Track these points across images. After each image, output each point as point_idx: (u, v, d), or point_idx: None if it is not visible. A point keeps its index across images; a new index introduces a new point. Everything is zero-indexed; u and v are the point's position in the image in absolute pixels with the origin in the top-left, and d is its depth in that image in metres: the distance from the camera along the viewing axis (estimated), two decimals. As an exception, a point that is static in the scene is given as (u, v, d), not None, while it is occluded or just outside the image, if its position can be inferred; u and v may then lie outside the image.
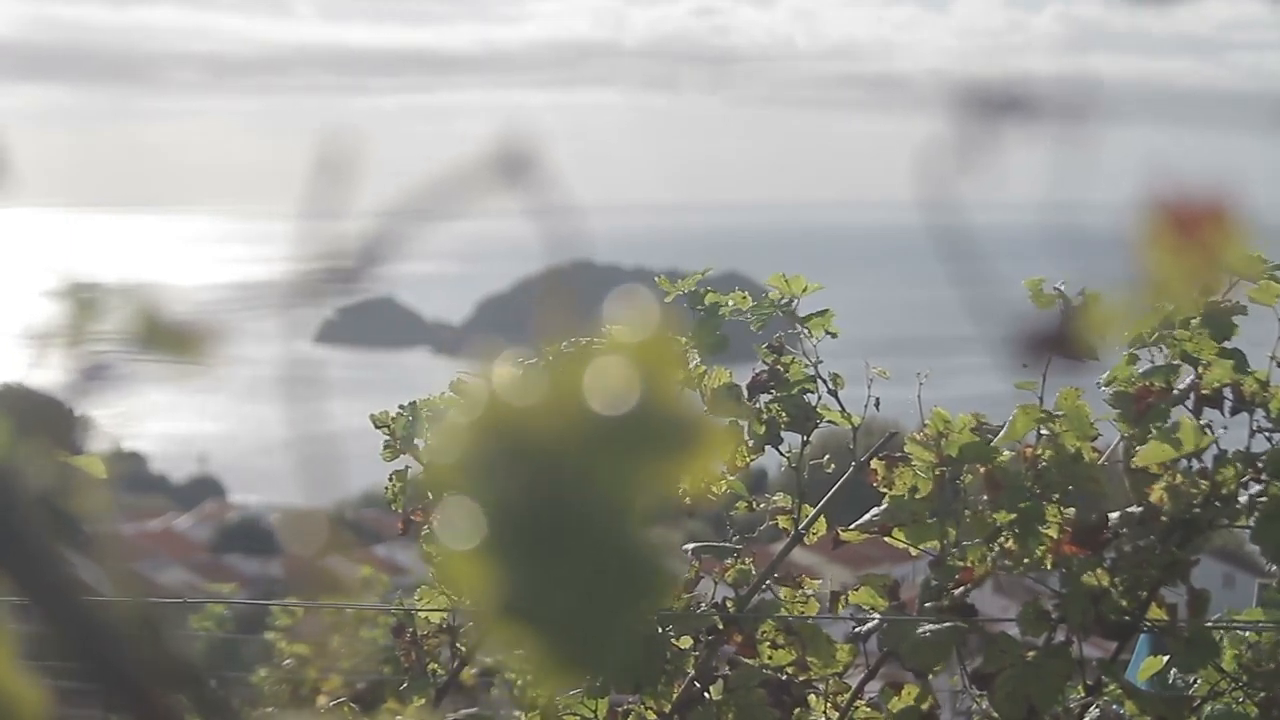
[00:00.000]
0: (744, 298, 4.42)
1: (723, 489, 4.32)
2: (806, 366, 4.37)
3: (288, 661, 11.11)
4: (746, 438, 4.34)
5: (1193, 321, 4.02)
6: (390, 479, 4.31)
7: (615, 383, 0.78)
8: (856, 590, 4.23)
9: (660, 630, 4.16)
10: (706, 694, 4.18)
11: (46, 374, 1.02)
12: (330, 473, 0.89)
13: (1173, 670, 4.00)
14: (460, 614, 4.29)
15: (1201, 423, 4.03)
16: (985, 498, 4.09)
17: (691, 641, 4.22)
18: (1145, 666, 4.03)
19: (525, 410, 0.78)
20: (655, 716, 4.18)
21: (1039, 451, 4.08)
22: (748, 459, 4.35)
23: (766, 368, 4.38)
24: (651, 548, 0.76)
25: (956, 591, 4.09)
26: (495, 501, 0.78)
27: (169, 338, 0.98)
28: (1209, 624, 4.05)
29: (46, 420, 1.02)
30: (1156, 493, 4.00)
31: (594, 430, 0.78)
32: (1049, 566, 4.05)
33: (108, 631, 0.89)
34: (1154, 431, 3.99)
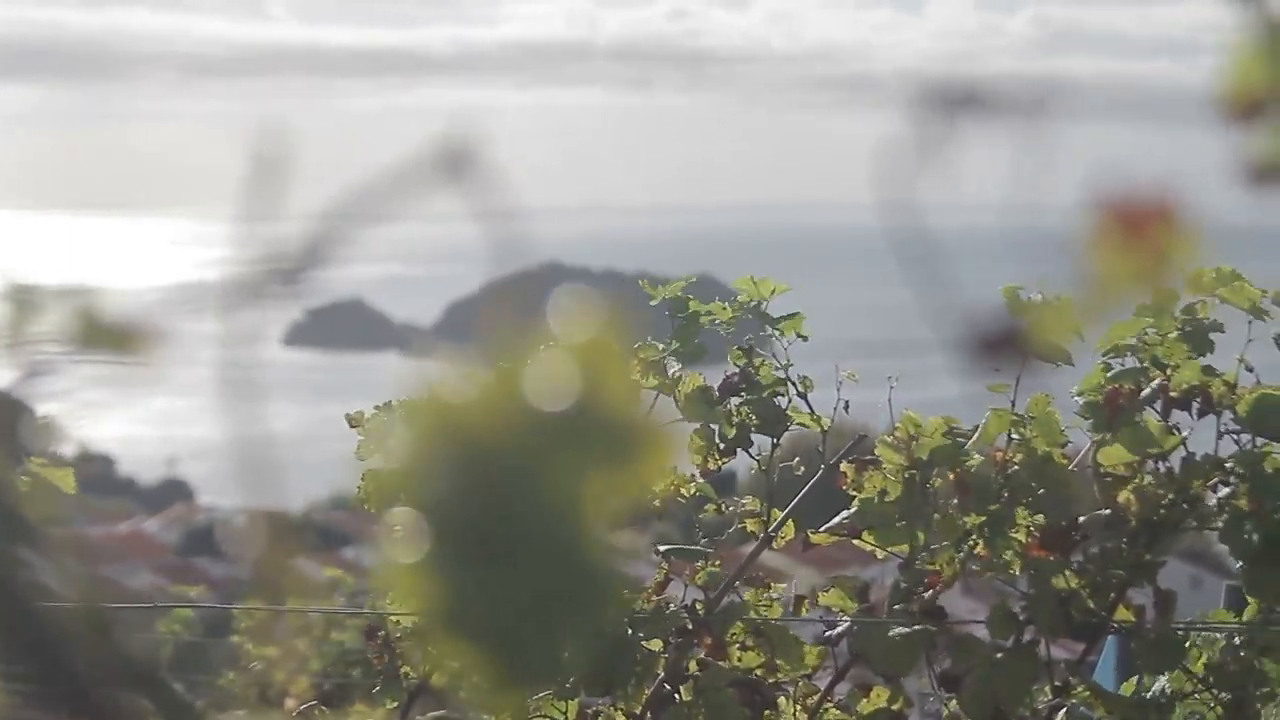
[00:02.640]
0: (724, 307, 4.42)
1: (692, 491, 4.32)
2: (777, 369, 4.37)
3: (255, 664, 11.08)
4: (717, 440, 4.34)
5: (1170, 336, 4.04)
6: (361, 481, 4.30)
7: (559, 385, 0.78)
8: (826, 592, 4.23)
9: (630, 632, 4.16)
10: (676, 695, 4.18)
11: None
12: (279, 475, 0.89)
13: (1143, 674, 4.01)
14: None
15: (1170, 424, 4.05)
16: (955, 501, 4.09)
17: (661, 643, 4.22)
18: (1125, 689, 4.05)
19: (469, 415, 0.78)
20: (625, 718, 4.18)
21: (1009, 455, 4.09)
22: (718, 462, 4.35)
23: (738, 370, 4.38)
24: (598, 553, 0.76)
25: (926, 594, 4.10)
26: (438, 508, 0.77)
27: (109, 338, 0.98)
28: (1176, 626, 4.06)
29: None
30: (1124, 495, 4.01)
31: (537, 434, 0.77)
32: (1018, 569, 4.06)
33: (63, 634, 0.89)
34: (1121, 433, 4.00)
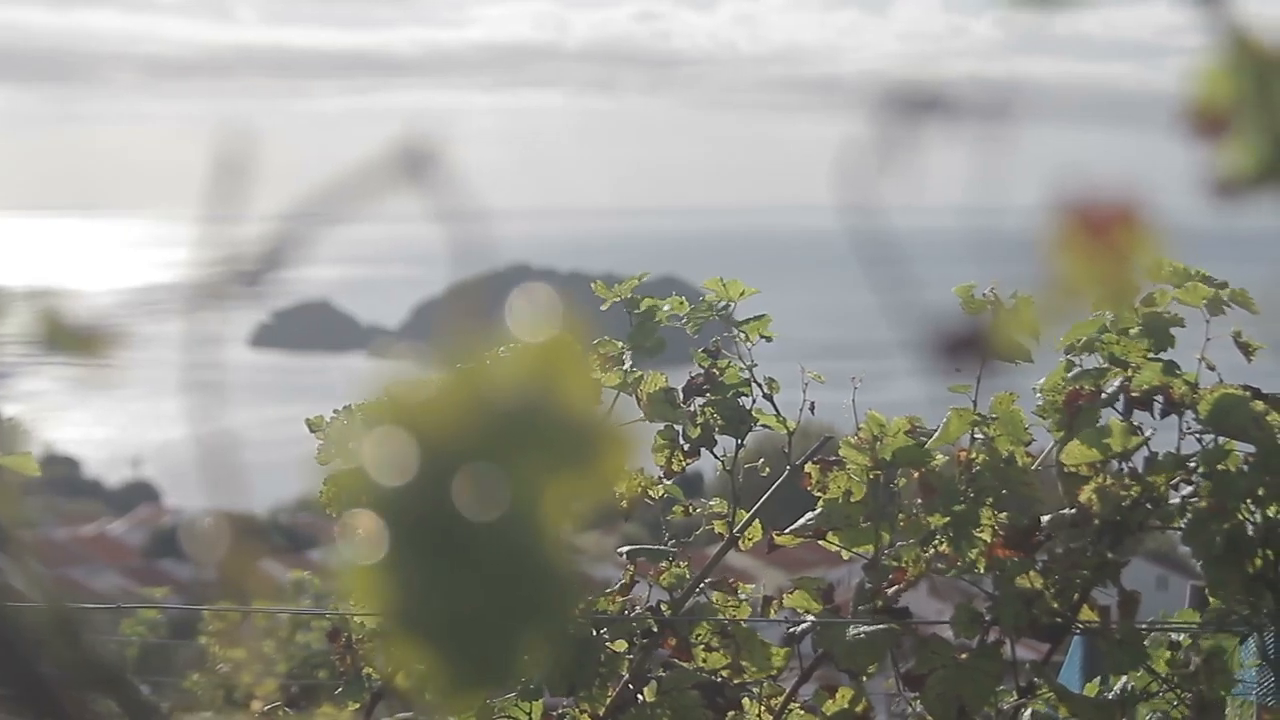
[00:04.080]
0: (681, 302, 4.42)
1: (660, 493, 4.32)
2: (742, 371, 4.38)
3: (221, 666, 11.05)
4: (681, 441, 4.34)
5: (1131, 331, 4.06)
6: (323, 484, 4.29)
7: (518, 386, 0.78)
8: (791, 593, 4.24)
9: (595, 633, 4.16)
10: (641, 697, 4.18)
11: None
12: (242, 477, 0.89)
13: (1107, 674, 4.02)
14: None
15: (1133, 425, 4.07)
16: (919, 501, 4.10)
17: (626, 644, 4.22)
18: (1088, 690, 4.07)
19: (427, 416, 0.78)
20: (589, 719, 4.18)
21: (973, 455, 4.10)
22: (683, 463, 4.35)
23: (702, 372, 4.38)
24: (556, 555, 0.76)
25: (890, 593, 4.11)
26: (395, 509, 0.77)
27: (73, 340, 0.98)
28: (1141, 626, 4.08)
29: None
30: (1086, 494, 4.02)
31: (495, 435, 0.77)
32: (982, 569, 4.07)
33: (28, 636, 0.89)
34: (1083, 433, 4.02)
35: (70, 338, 1.01)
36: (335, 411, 4.33)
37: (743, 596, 4.30)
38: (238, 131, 0.89)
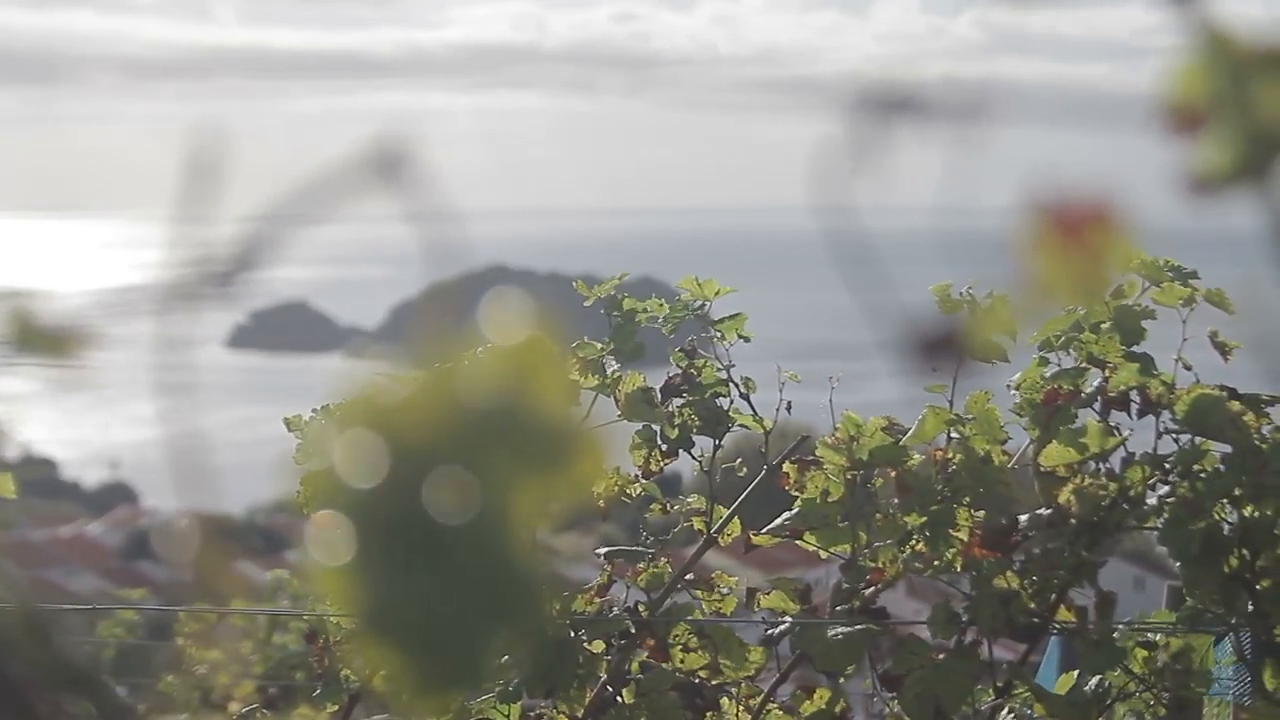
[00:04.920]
0: (660, 304, 4.42)
1: (637, 492, 4.32)
2: (719, 370, 4.38)
3: (198, 668, 11.03)
4: (658, 441, 4.34)
5: (1103, 325, 4.07)
6: (300, 485, 4.28)
7: (492, 387, 0.78)
8: (768, 594, 4.24)
9: (572, 634, 4.16)
10: (619, 698, 4.18)
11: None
12: (217, 477, 0.88)
13: (1084, 674, 4.03)
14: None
15: (1110, 425, 4.07)
16: (896, 501, 4.11)
17: (604, 645, 4.22)
18: (1060, 683, 4.07)
19: (401, 418, 0.78)
20: (567, 721, 4.17)
21: (949, 455, 4.10)
22: (659, 463, 4.35)
23: (680, 372, 4.38)
24: (528, 556, 0.76)
25: (868, 593, 4.11)
26: (368, 510, 0.77)
27: (46, 341, 0.97)
28: (1118, 626, 4.08)
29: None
30: (1064, 495, 4.03)
31: (468, 436, 0.77)
32: (959, 569, 4.07)
33: (1, 638, 0.88)
34: (1060, 433, 4.02)
35: (43, 339, 1.01)
36: (313, 411, 4.32)
37: (725, 590, 4.29)
38: (210, 132, 0.89)
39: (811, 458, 4.19)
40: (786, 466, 4.21)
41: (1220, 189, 0.92)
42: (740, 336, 4.40)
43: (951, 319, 0.89)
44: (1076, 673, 4.05)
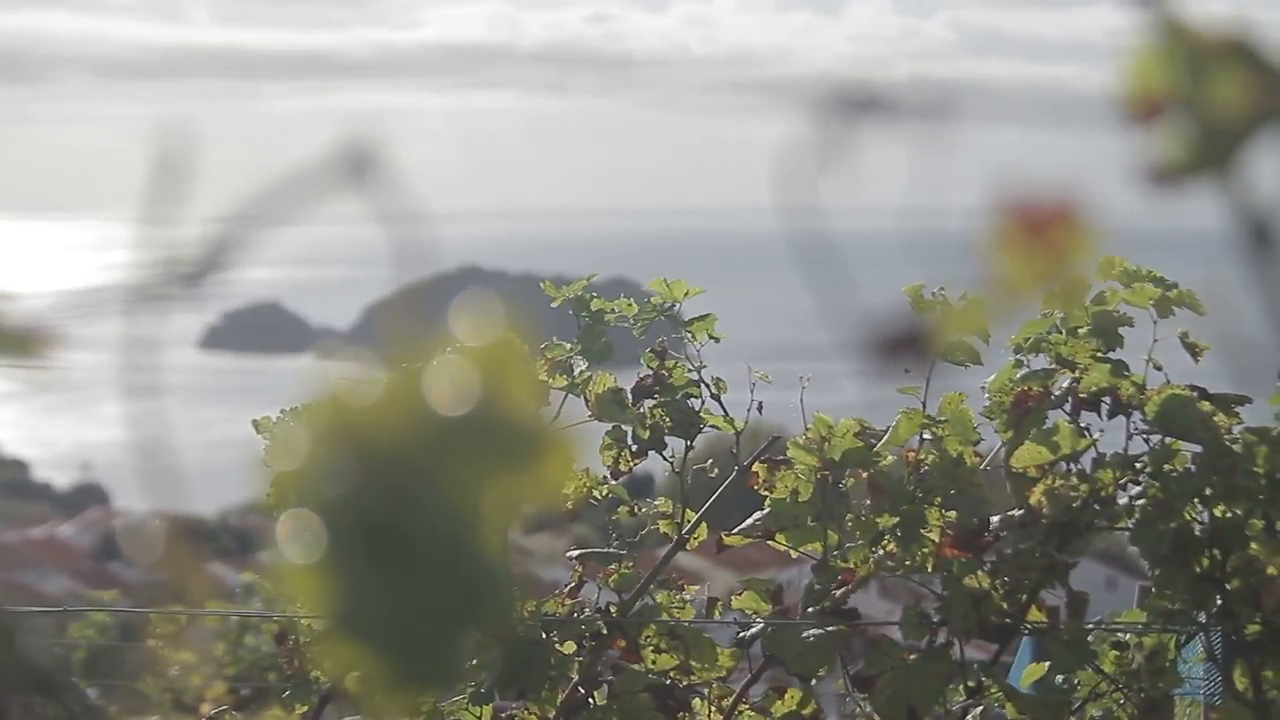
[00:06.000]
0: (630, 304, 4.42)
1: (604, 494, 4.32)
2: (690, 371, 4.38)
3: (171, 669, 11.01)
4: (629, 442, 4.34)
5: (1081, 331, 4.07)
6: (269, 486, 4.27)
7: (459, 389, 0.78)
8: (740, 595, 4.24)
9: (544, 635, 4.15)
10: (591, 699, 4.17)
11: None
12: (186, 479, 0.88)
13: (1055, 674, 4.04)
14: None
15: (1081, 426, 4.08)
16: (868, 501, 4.11)
17: (575, 647, 4.21)
18: (1027, 674, 4.07)
19: (368, 419, 0.78)
20: (539, 722, 4.17)
21: (921, 455, 4.11)
22: (629, 463, 4.35)
23: (651, 373, 4.38)
24: (495, 557, 0.76)
25: (839, 593, 4.11)
26: (335, 511, 0.77)
27: (14, 343, 0.97)
28: (1089, 626, 4.09)
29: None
30: (1035, 496, 4.04)
31: (435, 437, 0.77)
32: (931, 569, 4.08)
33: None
34: (1032, 434, 4.03)
35: (11, 339, 1.00)
36: (282, 413, 4.31)
37: (688, 598, 4.29)
38: (179, 132, 0.89)
39: (782, 458, 4.19)
40: (756, 466, 4.21)
41: (1179, 180, 0.92)
42: (710, 337, 4.40)
43: (913, 319, 0.89)
44: (1044, 666, 4.05)
